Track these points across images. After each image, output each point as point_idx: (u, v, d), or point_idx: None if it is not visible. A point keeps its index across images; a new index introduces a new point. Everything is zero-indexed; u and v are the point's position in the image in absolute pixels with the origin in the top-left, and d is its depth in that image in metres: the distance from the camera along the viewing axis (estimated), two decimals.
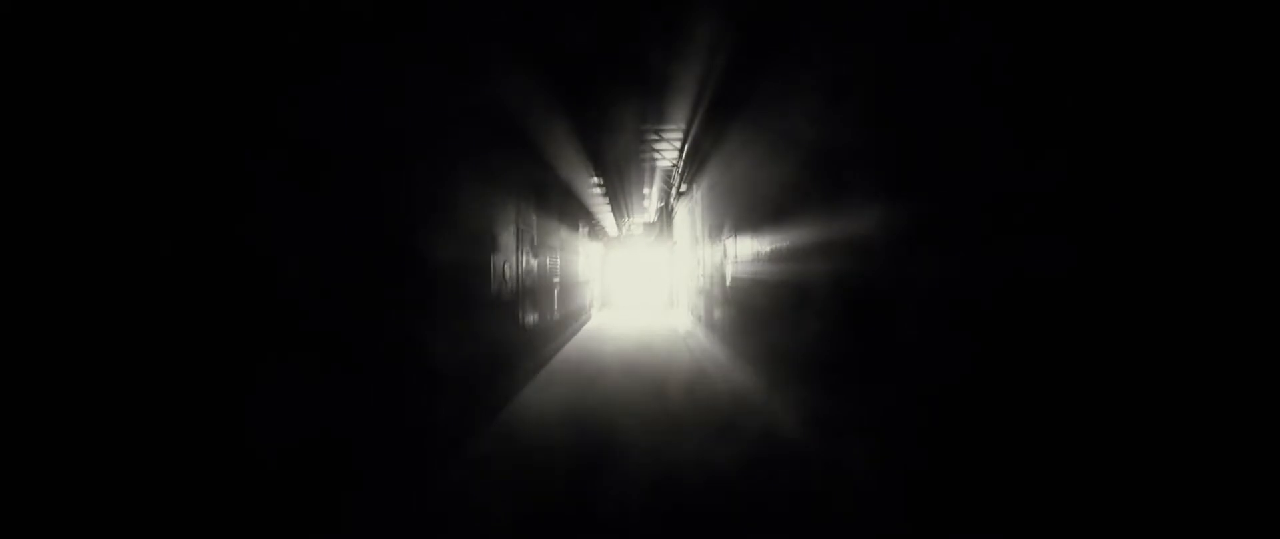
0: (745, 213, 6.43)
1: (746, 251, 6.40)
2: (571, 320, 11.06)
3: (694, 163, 9.64)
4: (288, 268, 2.40)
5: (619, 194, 12.54)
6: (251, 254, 2.20)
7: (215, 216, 2.03)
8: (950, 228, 2.43)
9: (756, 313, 5.92)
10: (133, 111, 1.77)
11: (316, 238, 2.59)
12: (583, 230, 12.73)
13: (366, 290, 2.99)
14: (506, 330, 6.06)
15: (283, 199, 2.37)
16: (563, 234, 10.02)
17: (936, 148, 2.53)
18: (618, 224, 16.59)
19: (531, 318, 7.39)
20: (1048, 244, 1.90)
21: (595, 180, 10.63)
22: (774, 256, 5.17)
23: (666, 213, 15.98)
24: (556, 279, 9.42)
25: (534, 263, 7.57)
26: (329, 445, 2.63)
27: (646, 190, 14.26)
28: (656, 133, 9.02)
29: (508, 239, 6.16)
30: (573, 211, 11.09)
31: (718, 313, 8.49)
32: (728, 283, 7.61)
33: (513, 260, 6.37)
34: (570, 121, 6.72)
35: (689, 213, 11.70)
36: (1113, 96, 1.67)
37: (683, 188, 11.77)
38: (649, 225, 18.86)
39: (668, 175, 12.60)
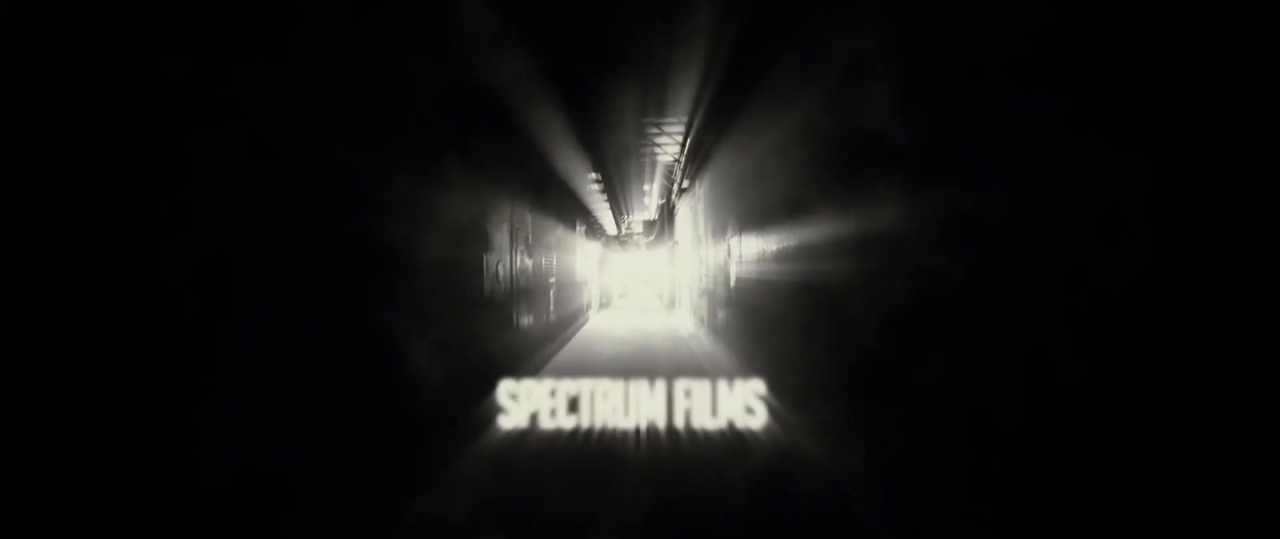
0: (752, 209, 6.06)
1: (753, 250, 6.03)
2: (569, 322, 10.70)
3: (697, 157, 9.28)
4: (245, 267, 2.04)
5: (618, 190, 12.19)
6: (205, 252, 1.83)
7: (157, 211, 1.67)
8: (987, 226, 2.09)
9: (763, 315, 5.56)
10: (64, 88, 1.40)
11: (276, 233, 2.23)
12: (580, 228, 12.36)
13: (338, 291, 2.62)
14: (499, 334, 5.69)
15: (238, 189, 2.00)
16: (559, 232, 9.65)
17: (971, 136, 2.19)
18: (617, 222, 16.20)
19: (526, 320, 7.02)
20: (1106, 247, 1.55)
21: (593, 176, 10.27)
22: (783, 255, 4.81)
23: (667, 210, 15.62)
24: (553, 279, 9.05)
25: (529, 262, 7.20)
26: (290, 467, 2.26)
27: (647, 187, 13.91)
28: (657, 125, 8.67)
29: (501, 237, 5.79)
30: (570, 209, 10.73)
31: (722, 315, 8.13)
32: (732, 284, 7.25)
33: (507, 260, 6.00)
34: (567, 113, 6.36)
35: (691, 210, 11.33)
36: (1202, 69, 1.30)
37: (685, 184, 11.41)
38: (649, 223, 18.48)
39: (669, 171, 12.25)
